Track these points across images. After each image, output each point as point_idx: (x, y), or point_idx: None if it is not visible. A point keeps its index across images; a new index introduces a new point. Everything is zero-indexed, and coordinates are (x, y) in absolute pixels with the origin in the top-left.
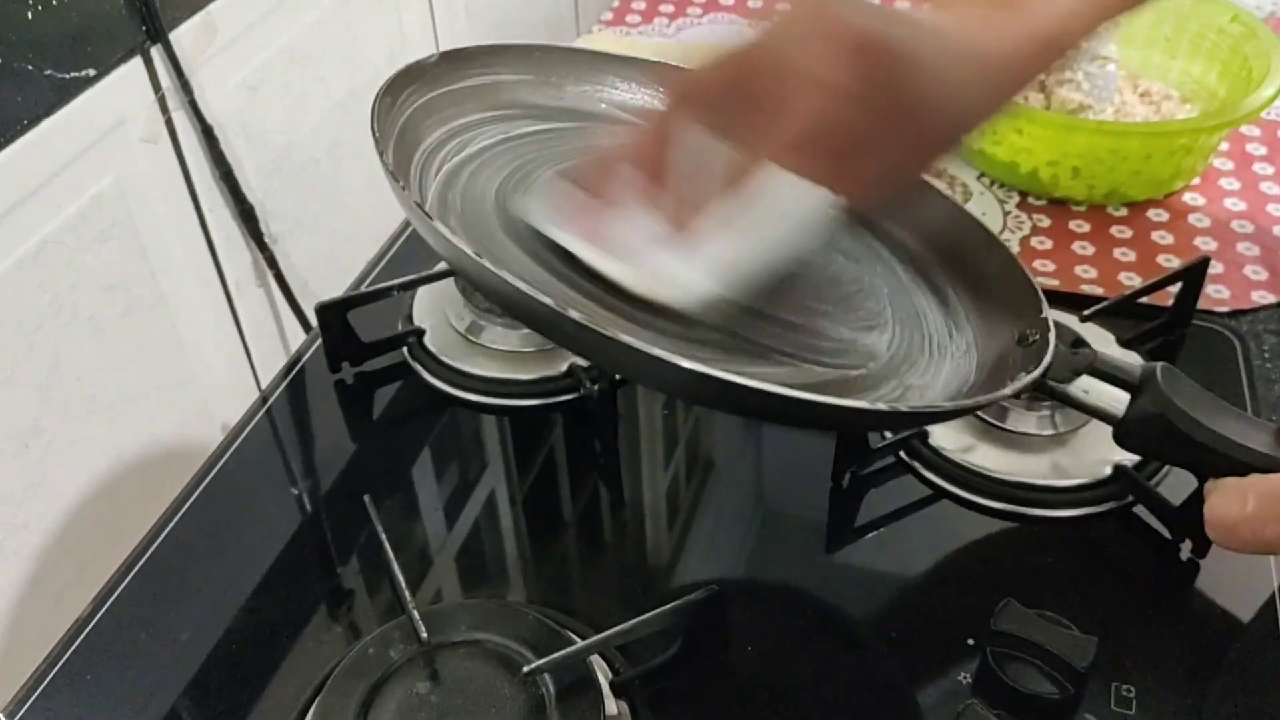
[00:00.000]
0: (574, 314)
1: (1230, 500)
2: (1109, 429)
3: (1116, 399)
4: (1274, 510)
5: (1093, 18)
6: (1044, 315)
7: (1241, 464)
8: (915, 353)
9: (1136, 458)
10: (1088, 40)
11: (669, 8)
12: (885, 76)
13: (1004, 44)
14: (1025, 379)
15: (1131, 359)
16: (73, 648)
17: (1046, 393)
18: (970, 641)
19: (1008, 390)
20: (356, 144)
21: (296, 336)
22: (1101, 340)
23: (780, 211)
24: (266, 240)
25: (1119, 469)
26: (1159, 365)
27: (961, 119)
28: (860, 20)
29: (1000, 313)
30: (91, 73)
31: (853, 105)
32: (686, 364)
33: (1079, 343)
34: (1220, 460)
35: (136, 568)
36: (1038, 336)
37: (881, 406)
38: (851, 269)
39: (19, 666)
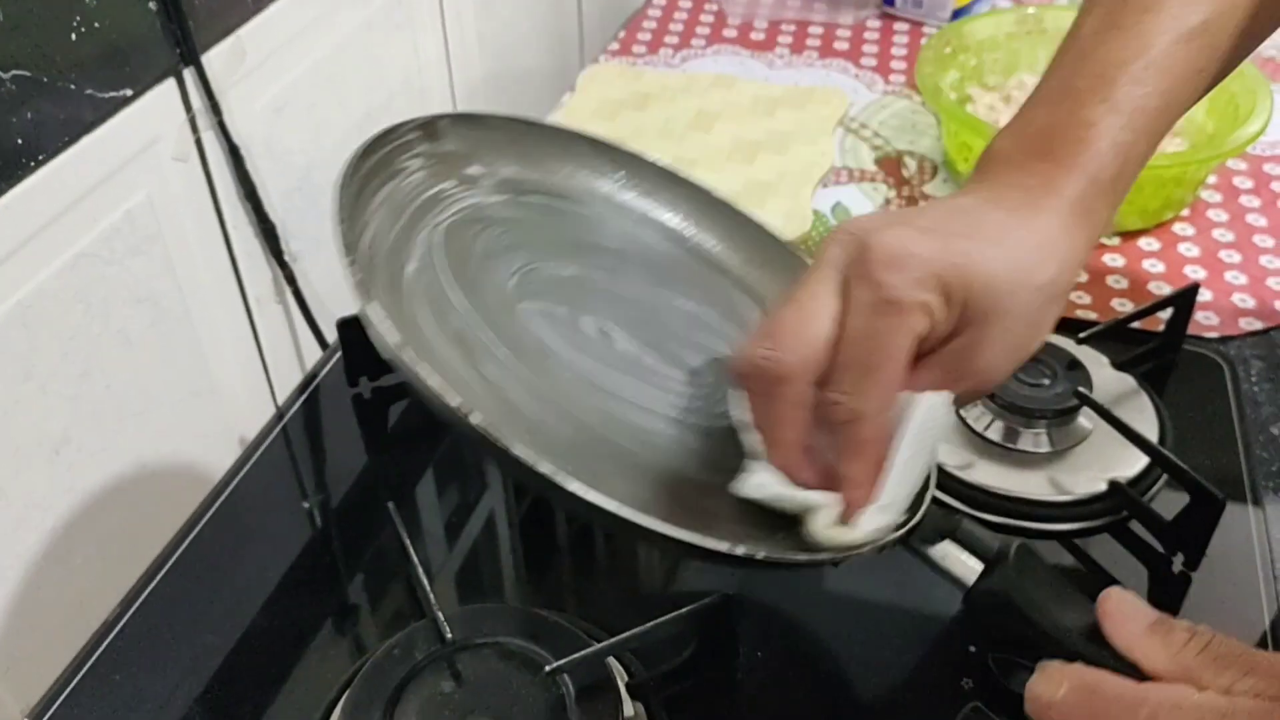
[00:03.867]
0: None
1: (1048, 683)
2: (1104, 446)
3: (970, 568)
4: (1082, 700)
5: (1141, 149)
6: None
7: (1072, 654)
8: None
9: (1131, 474)
10: (1137, 172)
11: (674, 39)
12: (964, 297)
13: (1052, 221)
14: (889, 536)
15: (992, 538)
16: (99, 650)
17: (907, 548)
18: (972, 648)
19: (865, 549)
20: None
21: (312, 353)
22: (1096, 363)
23: (921, 429)
24: (286, 258)
25: (1114, 485)
26: (1015, 544)
27: (1039, 310)
28: (929, 253)
29: None
30: (128, 93)
31: (943, 325)
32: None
33: (1076, 364)
34: (1054, 648)
35: (162, 572)
36: (921, 488)
37: (739, 550)
38: None
39: (46, 668)
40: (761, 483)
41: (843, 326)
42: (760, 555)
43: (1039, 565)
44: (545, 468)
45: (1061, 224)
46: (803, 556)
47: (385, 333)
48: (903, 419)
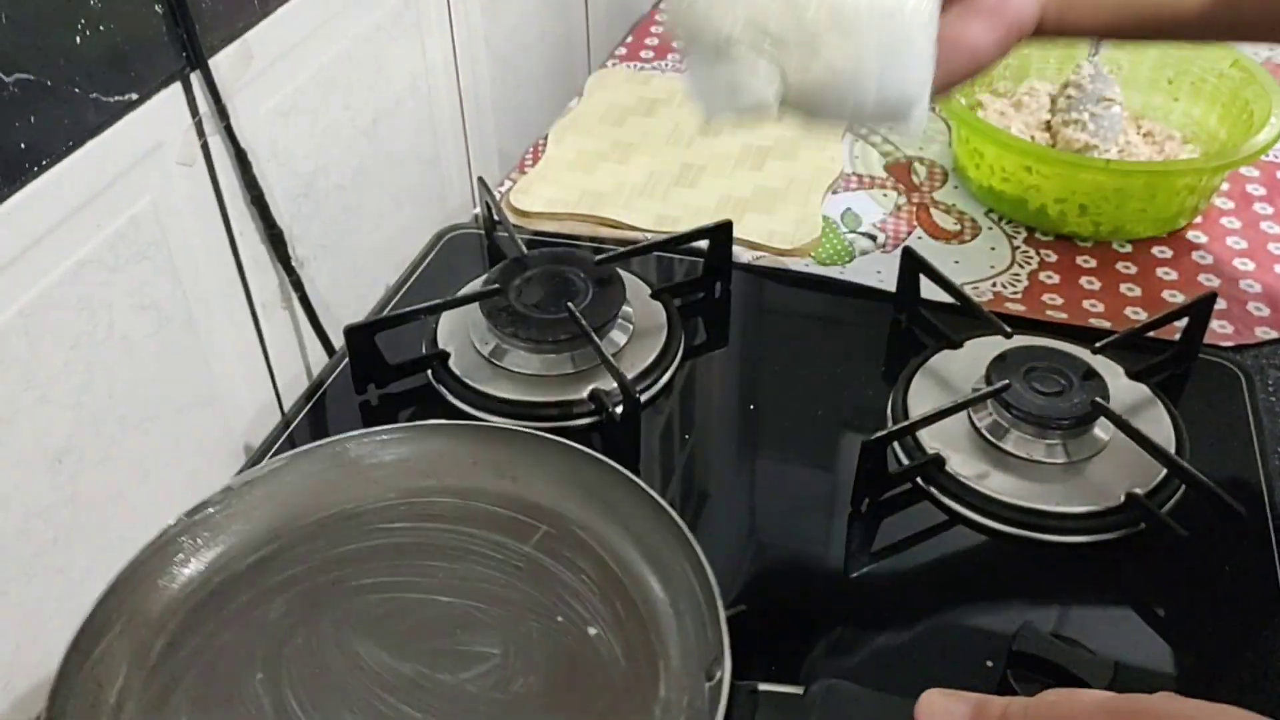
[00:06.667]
0: None
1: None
2: (1120, 458)
3: None
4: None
5: None
6: (725, 661)
7: None
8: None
9: (1149, 486)
10: None
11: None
12: None
13: None
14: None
15: None
16: None
17: None
18: (989, 663)
19: None
20: (380, 170)
21: (319, 359)
22: (1111, 372)
23: None
24: (293, 263)
25: (1131, 497)
26: (822, 687)
27: None
28: None
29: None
30: (134, 96)
31: None
32: None
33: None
34: None
35: None
36: (719, 677)
37: None
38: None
39: (48, 681)
40: None
41: None
42: None
43: (848, 701)
44: None
45: None
46: None
47: None
48: None
